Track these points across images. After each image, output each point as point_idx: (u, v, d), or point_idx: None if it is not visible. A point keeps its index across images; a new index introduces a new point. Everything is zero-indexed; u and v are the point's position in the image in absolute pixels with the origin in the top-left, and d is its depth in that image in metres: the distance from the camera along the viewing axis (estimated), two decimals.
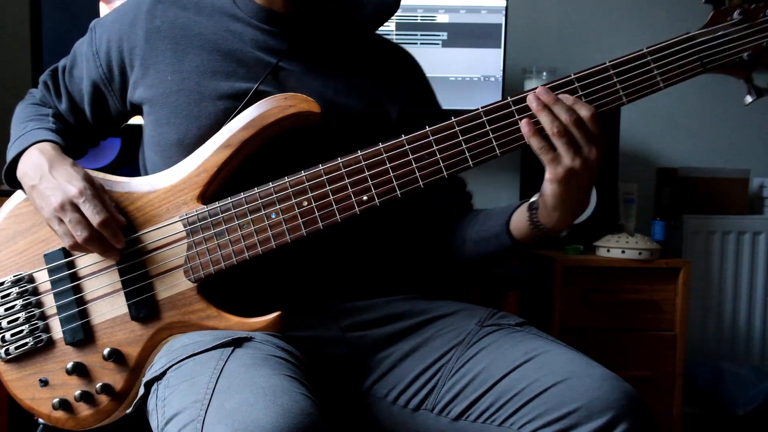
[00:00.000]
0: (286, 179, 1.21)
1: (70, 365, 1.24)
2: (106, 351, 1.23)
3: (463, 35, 2.46)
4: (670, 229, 2.62)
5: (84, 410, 1.25)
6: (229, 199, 1.22)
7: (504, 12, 2.45)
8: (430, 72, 1.50)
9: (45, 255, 1.28)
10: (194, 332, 1.22)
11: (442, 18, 2.46)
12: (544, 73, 2.55)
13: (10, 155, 1.32)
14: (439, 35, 2.46)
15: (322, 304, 1.30)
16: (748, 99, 1.22)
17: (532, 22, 2.83)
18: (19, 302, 1.27)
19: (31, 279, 1.28)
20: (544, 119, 1.14)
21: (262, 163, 1.25)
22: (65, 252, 1.27)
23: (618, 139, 2.51)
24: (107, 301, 1.25)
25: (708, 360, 2.71)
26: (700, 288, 2.74)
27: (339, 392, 1.26)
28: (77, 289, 1.26)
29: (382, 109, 1.37)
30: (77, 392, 1.24)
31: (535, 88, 1.18)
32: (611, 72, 1.18)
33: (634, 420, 1.07)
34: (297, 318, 1.25)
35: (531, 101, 1.16)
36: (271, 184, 1.21)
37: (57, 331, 1.26)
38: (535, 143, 1.15)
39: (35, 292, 1.28)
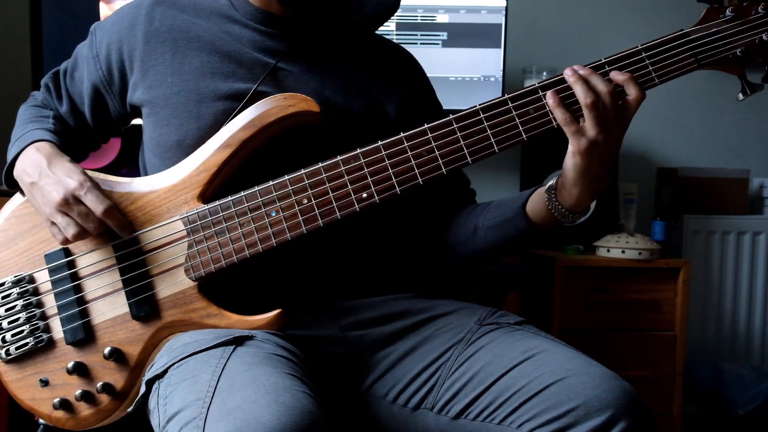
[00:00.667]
0: (286, 177, 1.21)
1: (70, 365, 1.24)
2: (106, 350, 1.23)
3: (463, 35, 2.46)
4: (670, 229, 2.62)
5: (85, 410, 1.25)
6: (229, 198, 1.22)
7: (504, 12, 2.45)
8: (430, 72, 1.50)
9: (45, 255, 1.28)
10: (195, 331, 1.22)
11: (442, 18, 2.46)
12: (544, 73, 2.55)
13: (9, 155, 1.33)
14: (439, 35, 2.47)
15: (322, 303, 1.30)
16: (741, 96, 1.24)
17: (532, 22, 2.83)
18: (20, 302, 1.27)
19: (31, 279, 1.28)
20: (579, 89, 1.16)
21: (262, 163, 1.25)
22: (66, 252, 1.27)
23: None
24: (108, 301, 1.25)
25: (708, 360, 2.71)
26: (700, 288, 2.75)
27: (339, 391, 1.26)
28: (78, 289, 1.26)
29: (381, 109, 1.38)
30: (78, 392, 1.24)
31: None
32: (607, 69, 1.19)
33: (632, 418, 1.07)
34: (297, 316, 1.26)
35: (568, 74, 1.18)
36: (271, 183, 1.21)
37: (57, 330, 1.26)
38: (559, 114, 1.17)
39: (36, 292, 1.28)
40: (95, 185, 1.23)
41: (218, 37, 1.33)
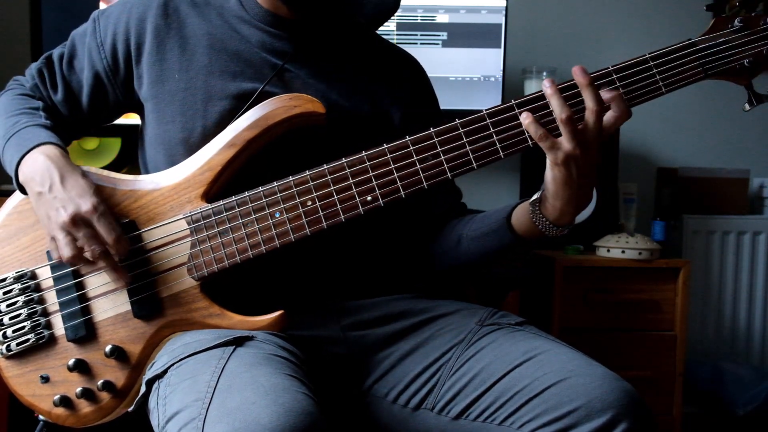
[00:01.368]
0: (291, 179, 1.21)
1: (71, 362, 1.24)
2: (107, 348, 1.23)
3: (463, 35, 2.46)
4: (670, 229, 2.62)
5: (85, 407, 1.25)
6: (233, 198, 1.22)
7: (504, 12, 2.45)
8: (430, 72, 1.50)
9: (48, 251, 1.28)
10: (196, 331, 1.22)
11: (442, 18, 2.46)
12: (544, 73, 2.55)
13: (9, 158, 1.28)
14: (439, 35, 2.47)
15: (323, 303, 1.30)
16: (747, 107, 1.24)
17: (532, 22, 2.83)
18: (21, 298, 1.27)
19: (33, 275, 1.28)
20: (554, 103, 1.15)
21: (266, 163, 1.25)
22: None
23: (618, 139, 2.52)
24: (110, 298, 1.25)
25: (708, 360, 2.71)
26: (700, 288, 2.75)
27: (339, 392, 1.26)
28: (80, 286, 1.26)
29: (385, 111, 1.38)
30: (78, 389, 1.24)
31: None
32: (614, 77, 1.19)
33: (634, 419, 1.08)
34: (298, 317, 1.26)
35: (545, 86, 1.17)
36: (275, 184, 1.21)
37: (59, 327, 1.26)
38: (532, 130, 1.16)
39: (37, 288, 1.28)
40: (108, 210, 1.21)
41: (228, 35, 1.33)
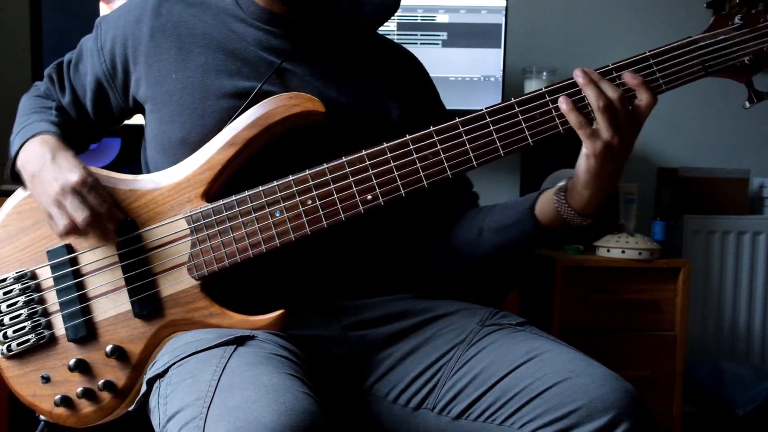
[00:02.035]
0: (291, 178, 1.21)
1: (72, 362, 1.24)
2: (108, 348, 1.23)
3: (463, 35, 2.46)
4: (670, 229, 2.62)
5: (86, 407, 1.25)
6: (233, 197, 1.22)
7: (504, 12, 2.45)
8: (430, 72, 1.50)
9: (48, 251, 1.28)
10: (197, 330, 1.22)
11: (442, 18, 2.46)
12: (544, 73, 2.55)
13: (13, 148, 1.32)
14: (439, 35, 2.46)
15: (323, 303, 1.30)
16: (747, 104, 1.24)
17: (532, 22, 2.83)
18: (22, 299, 1.27)
19: (33, 275, 1.28)
20: (590, 93, 1.16)
21: (266, 162, 1.25)
22: (68, 248, 1.27)
23: None
24: (110, 298, 1.25)
25: (708, 360, 2.71)
26: (700, 288, 2.75)
27: (340, 391, 1.26)
28: (80, 286, 1.26)
29: (384, 110, 1.38)
30: (79, 389, 1.24)
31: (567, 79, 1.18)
32: (614, 75, 1.19)
33: (635, 419, 1.08)
34: (299, 316, 1.26)
35: (578, 75, 1.18)
36: (275, 183, 1.22)
37: (59, 327, 1.26)
38: (573, 118, 1.16)
39: (37, 288, 1.28)
40: (97, 182, 1.23)
41: (224, 34, 1.34)
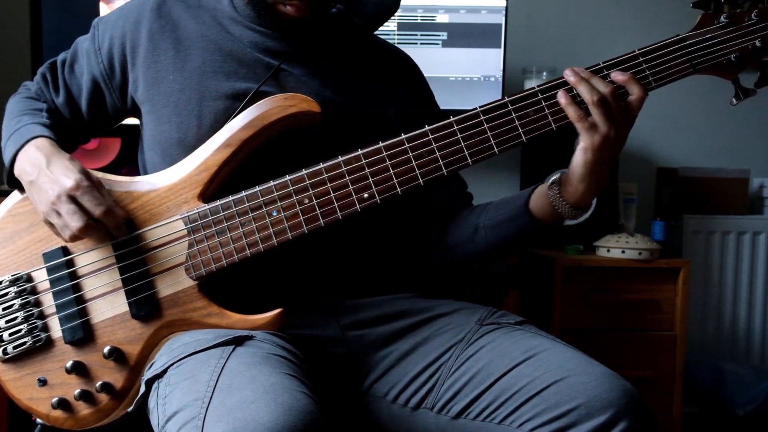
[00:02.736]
0: (288, 177, 1.21)
1: (69, 364, 1.23)
2: (106, 349, 1.23)
3: (463, 35, 2.46)
4: (670, 229, 2.62)
5: (83, 409, 1.25)
6: (230, 198, 1.22)
7: (504, 12, 2.45)
8: (430, 72, 1.50)
9: (44, 254, 1.28)
10: (195, 330, 1.22)
11: (442, 18, 2.46)
12: (544, 73, 2.55)
13: (7, 153, 1.32)
14: (439, 35, 2.46)
15: (322, 302, 1.30)
16: (734, 101, 1.27)
17: (532, 22, 2.83)
18: (18, 301, 1.27)
19: (29, 278, 1.28)
20: (583, 89, 1.18)
21: (262, 163, 1.25)
22: (64, 251, 1.27)
23: None
24: (107, 300, 1.25)
25: (708, 360, 2.71)
26: (700, 288, 2.75)
27: (339, 391, 1.26)
28: (76, 288, 1.26)
29: (381, 110, 1.38)
30: (77, 391, 1.23)
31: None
32: (605, 73, 1.21)
33: (633, 418, 1.07)
34: (297, 316, 1.26)
35: (568, 75, 1.20)
36: (272, 183, 1.22)
37: (56, 330, 1.26)
38: (572, 111, 1.18)
39: (33, 291, 1.28)
40: (93, 185, 1.22)
41: (221, 36, 1.34)
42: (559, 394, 1.09)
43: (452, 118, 1.21)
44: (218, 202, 1.22)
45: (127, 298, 1.24)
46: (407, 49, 1.51)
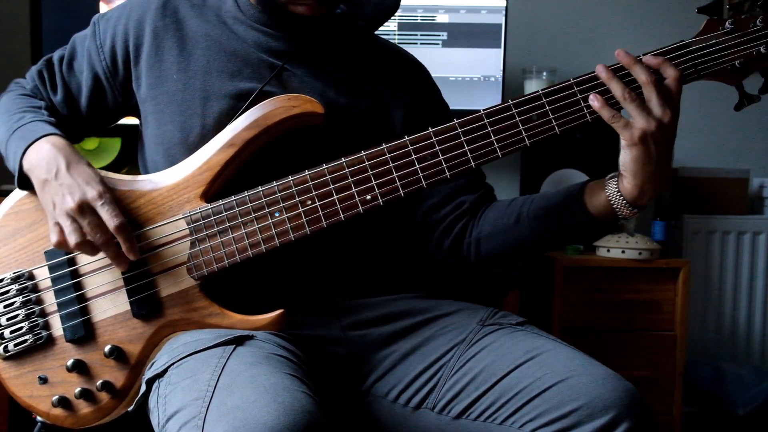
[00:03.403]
0: (290, 178, 1.21)
1: (70, 362, 1.23)
2: (107, 348, 1.23)
3: (463, 35, 2.46)
4: (670, 229, 2.62)
5: (84, 408, 1.24)
6: (232, 198, 1.22)
7: (504, 12, 2.45)
8: (430, 72, 1.50)
9: (45, 252, 1.28)
10: (196, 330, 1.22)
11: (442, 18, 2.46)
12: (544, 73, 2.55)
13: (13, 149, 1.28)
14: (439, 35, 2.46)
15: (323, 302, 1.30)
16: (738, 108, 1.26)
17: (532, 22, 2.83)
18: (19, 299, 1.27)
19: (30, 276, 1.28)
20: (615, 86, 1.17)
21: (265, 163, 1.25)
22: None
23: (619, 139, 2.51)
24: (109, 299, 1.24)
25: (708, 360, 2.71)
26: (700, 288, 2.75)
27: (340, 391, 1.26)
28: (78, 286, 1.26)
29: (385, 111, 1.38)
30: (77, 389, 1.23)
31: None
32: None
33: (635, 419, 1.08)
34: (298, 316, 1.26)
35: (600, 71, 1.18)
36: (274, 183, 1.21)
37: (57, 328, 1.26)
38: (606, 113, 1.17)
39: (35, 289, 1.28)
40: (113, 198, 1.21)
41: (225, 36, 1.34)
42: (560, 394, 1.09)
43: (455, 121, 1.21)
44: (221, 202, 1.22)
45: (129, 297, 1.23)
46: (407, 49, 1.51)
